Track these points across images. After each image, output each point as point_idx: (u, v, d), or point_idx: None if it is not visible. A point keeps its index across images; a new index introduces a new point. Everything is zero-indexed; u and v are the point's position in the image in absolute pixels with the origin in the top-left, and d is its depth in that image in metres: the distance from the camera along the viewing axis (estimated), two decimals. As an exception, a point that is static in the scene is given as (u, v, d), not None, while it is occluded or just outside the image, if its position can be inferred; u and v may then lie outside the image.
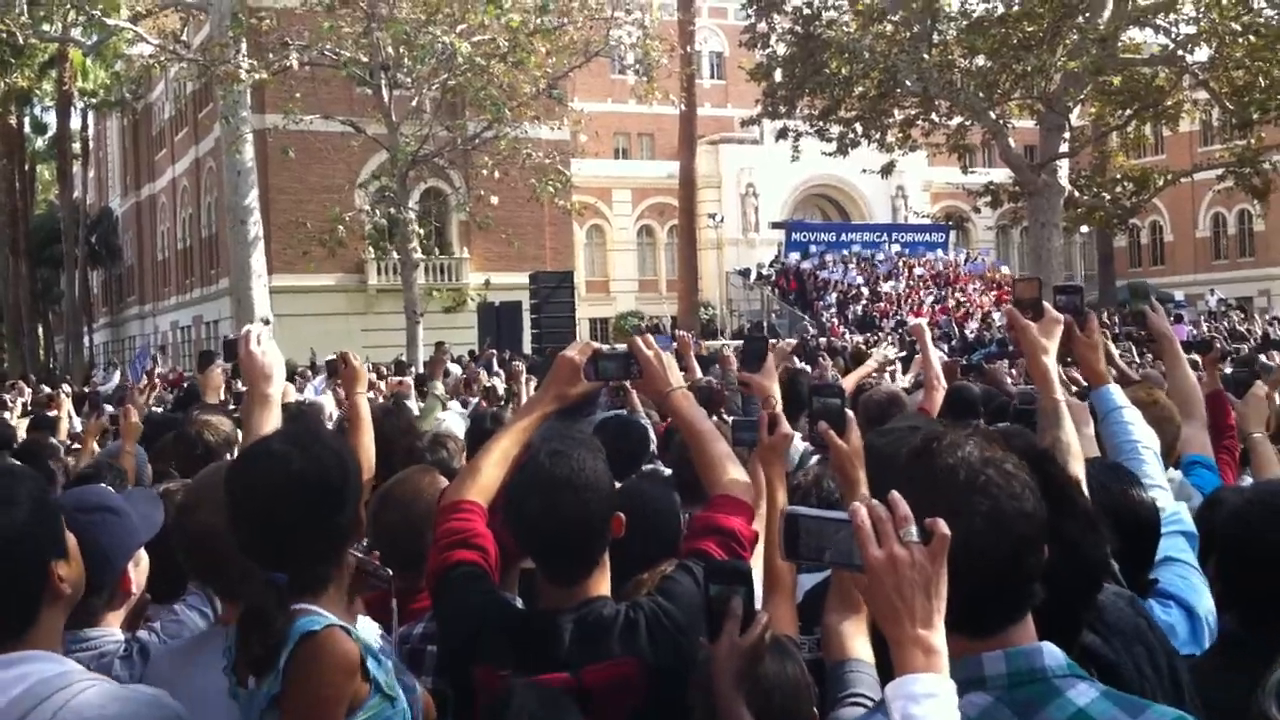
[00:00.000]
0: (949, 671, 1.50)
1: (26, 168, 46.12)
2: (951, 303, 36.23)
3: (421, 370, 14.90)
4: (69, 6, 23.89)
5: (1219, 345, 9.99)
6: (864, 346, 18.22)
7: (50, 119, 47.48)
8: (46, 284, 48.03)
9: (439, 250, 36.71)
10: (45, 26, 27.36)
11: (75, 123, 47.32)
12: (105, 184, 59.14)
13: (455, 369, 13.44)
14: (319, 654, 2.04)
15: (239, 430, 4.09)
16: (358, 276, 35.72)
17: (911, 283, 38.19)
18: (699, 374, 7.86)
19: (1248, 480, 4.15)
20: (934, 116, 27.33)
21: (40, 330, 49.59)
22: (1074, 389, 4.61)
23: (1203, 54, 24.56)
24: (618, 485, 2.56)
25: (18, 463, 4.75)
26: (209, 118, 34.87)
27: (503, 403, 8.94)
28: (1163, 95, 26.00)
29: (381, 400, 7.28)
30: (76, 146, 48.57)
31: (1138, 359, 12.45)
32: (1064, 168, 26.23)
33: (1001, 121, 25.93)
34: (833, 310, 35.55)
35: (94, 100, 44.50)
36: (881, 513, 1.50)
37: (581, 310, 34.45)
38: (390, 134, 22.44)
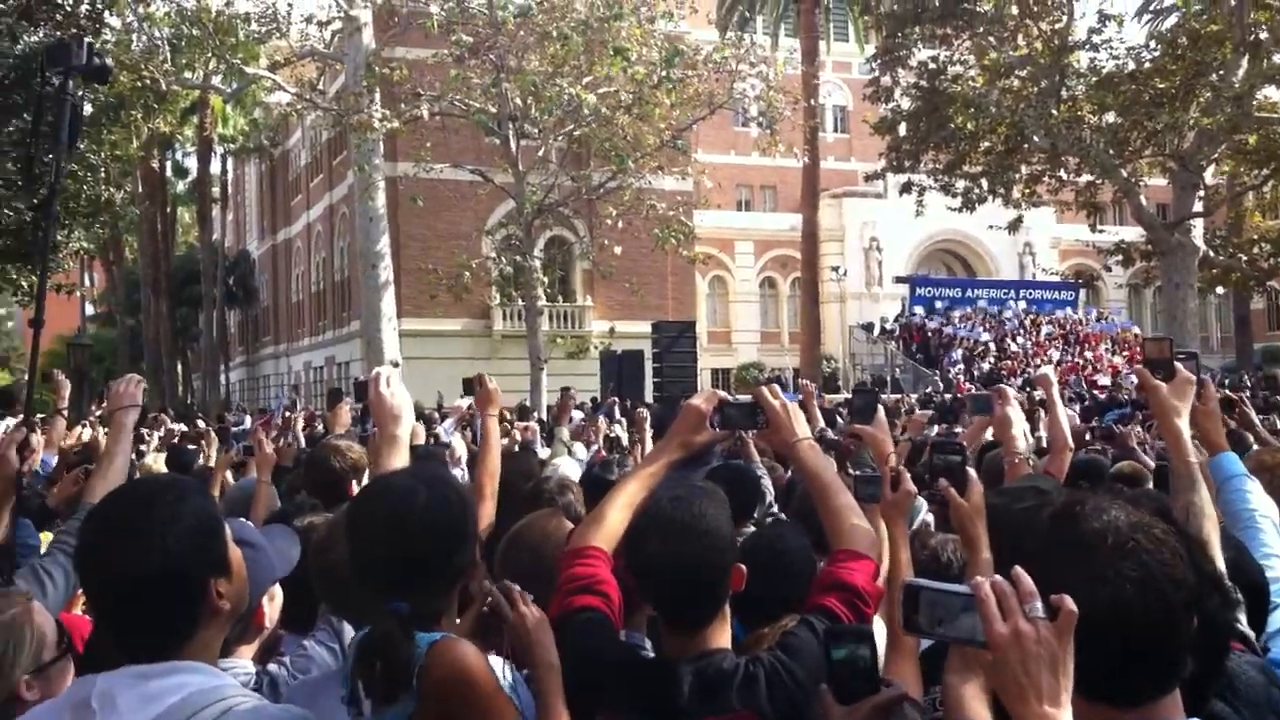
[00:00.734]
0: None
1: (168, 210, 47.74)
2: (1080, 361, 35.26)
3: (544, 416, 15.04)
4: (210, 55, 25.00)
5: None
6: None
7: (191, 163, 49.46)
8: (185, 323, 49.49)
9: (563, 298, 37.23)
10: (187, 74, 28.37)
11: (215, 167, 49.14)
12: (243, 227, 61.08)
13: (577, 415, 13.54)
14: (451, 654, 2.10)
15: (366, 457, 4.21)
16: (484, 322, 36.26)
17: (1039, 340, 37.30)
18: (822, 425, 7.81)
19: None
20: (1062, 173, 26.87)
21: (179, 367, 51.24)
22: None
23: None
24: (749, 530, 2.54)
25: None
26: (343, 165, 36.04)
27: (626, 451, 8.96)
28: (1299, 155, 25.26)
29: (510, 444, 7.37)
30: (216, 190, 50.45)
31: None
32: (1198, 227, 25.56)
33: (1133, 179, 25.37)
34: (959, 367, 34.88)
35: (233, 146, 46.02)
36: (1005, 587, 1.47)
37: (703, 360, 34.45)
38: (517, 183, 22.89)
